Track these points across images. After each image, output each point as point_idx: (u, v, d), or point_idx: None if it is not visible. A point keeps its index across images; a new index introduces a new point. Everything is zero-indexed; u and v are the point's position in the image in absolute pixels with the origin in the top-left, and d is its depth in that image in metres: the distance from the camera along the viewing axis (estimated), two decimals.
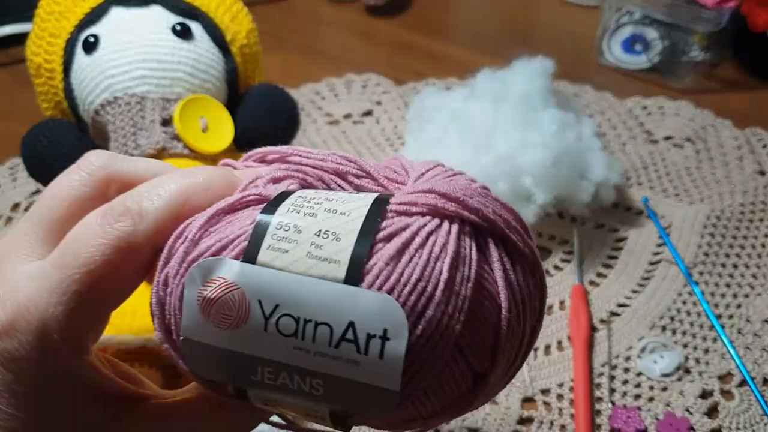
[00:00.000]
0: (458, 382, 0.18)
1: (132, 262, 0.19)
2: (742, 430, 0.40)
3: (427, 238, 0.18)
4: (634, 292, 0.47)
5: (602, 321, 0.45)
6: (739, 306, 0.46)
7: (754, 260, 0.49)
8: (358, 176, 0.21)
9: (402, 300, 0.17)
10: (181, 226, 0.19)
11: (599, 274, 0.48)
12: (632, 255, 0.49)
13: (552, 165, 0.46)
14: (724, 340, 0.44)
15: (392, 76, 0.64)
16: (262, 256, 0.18)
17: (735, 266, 0.48)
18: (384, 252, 0.17)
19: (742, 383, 0.42)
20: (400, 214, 0.18)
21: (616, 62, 0.65)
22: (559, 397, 0.42)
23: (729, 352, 0.43)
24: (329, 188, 0.21)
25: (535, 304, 0.20)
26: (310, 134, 0.59)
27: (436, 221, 0.18)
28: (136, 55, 0.44)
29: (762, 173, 0.55)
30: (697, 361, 0.43)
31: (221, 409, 0.21)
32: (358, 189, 0.21)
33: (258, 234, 0.18)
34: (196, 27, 0.47)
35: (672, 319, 0.45)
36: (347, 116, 0.61)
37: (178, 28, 0.46)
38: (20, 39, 0.55)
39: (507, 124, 0.48)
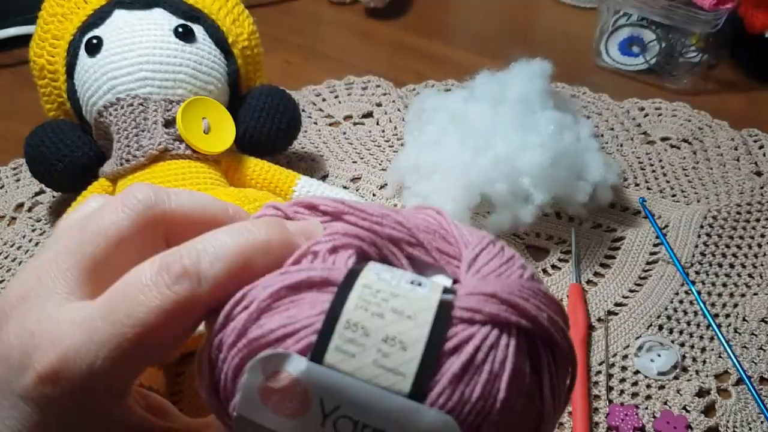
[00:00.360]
0: None
1: (184, 321, 0.19)
2: (739, 428, 0.40)
3: (489, 353, 0.18)
4: (632, 291, 0.47)
5: (599, 320, 0.46)
6: (735, 305, 0.46)
7: (751, 260, 0.49)
8: (411, 244, 0.21)
9: (461, 419, 0.17)
10: (241, 293, 0.19)
11: (596, 274, 0.49)
12: (629, 255, 0.50)
13: (550, 166, 0.46)
14: (721, 339, 0.44)
15: (392, 77, 0.65)
16: (330, 357, 0.17)
17: (732, 266, 0.49)
18: (449, 368, 0.17)
19: (739, 382, 0.42)
20: (464, 321, 0.18)
21: (614, 64, 0.66)
22: None
23: (726, 350, 0.43)
24: (382, 256, 0.20)
25: (566, 391, 0.20)
26: (310, 135, 0.59)
27: (496, 332, 0.18)
28: (138, 57, 0.45)
29: (758, 174, 0.56)
30: (694, 359, 0.43)
31: None
32: (409, 258, 0.21)
33: (326, 331, 0.18)
34: (198, 29, 0.47)
35: (669, 318, 0.46)
36: (347, 117, 0.62)
37: (181, 30, 0.46)
38: (24, 41, 0.56)
39: (506, 126, 0.48)
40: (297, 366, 0.17)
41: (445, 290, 0.19)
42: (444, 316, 0.18)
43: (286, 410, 0.18)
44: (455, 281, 0.20)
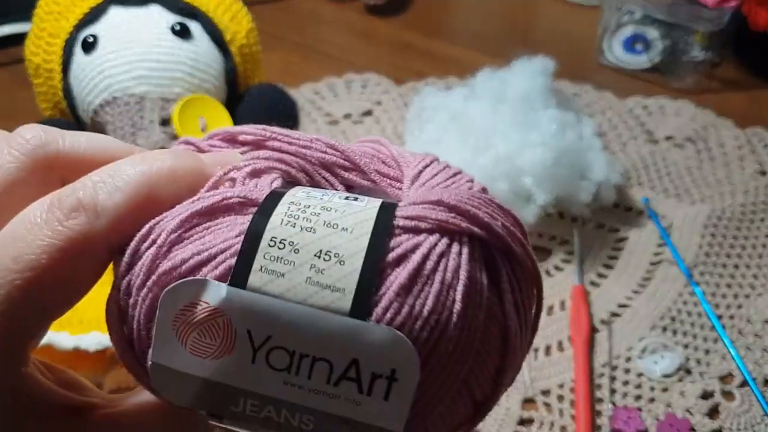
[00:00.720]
0: (459, 412, 0.17)
1: (83, 264, 0.16)
2: (743, 430, 0.40)
3: (439, 261, 0.16)
4: (635, 292, 0.47)
5: (603, 321, 0.45)
6: (739, 306, 0.46)
7: (755, 260, 0.49)
8: (345, 168, 0.19)
9: (413, 336, 0.15)
10: (147, 226, 0.16)
11: (600, 275, 0.48)
12: (633, 255, 0.49)
13: (552, 165, 0.46)
14: (725, 340, 0.43)
15: (392, 75, 0.64)
16: (254, 279, 0.15)
17: (736, 266, 0.48)
18: (394, 279, 0.15)
19: (743, 384, 0.42)
20: (408, 230, 0.16)
21: (617, 62, 0.65)
22: (560, 397, 0.41)
23: (730, 352, 0.43)
24: (314, 183, 0.18)
25: (532, 319, 0.18)
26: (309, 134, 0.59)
27: (446, 240, 0.16)
28: (135, 55, 0.44)
29: (763, 173, 0.55)
30: (698, 361, 0.43)
31: (178, 421, 0.18)
32: (346, 185, 0.19)
33: (248, 251, 0.15)
34: (195, 26, 0.47)
35: (673, 319, 0.45)
36: (347, 116, 0.61)
37: (177, 27, 0.46)
38: (19, 39, 0.55)
39: (507, 124, 0.48)
40: (215, 294, 0.15)
41: (386, 203, 0.17)
42: (385, 226, 0.16)
43: (208, 349, 0.15)
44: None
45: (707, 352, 0.43)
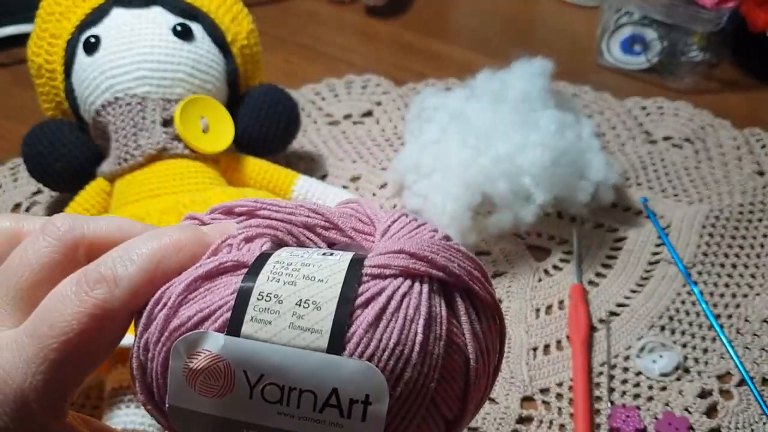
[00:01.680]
0: (431, 429, 0.20)
1: (108, 327, 0.19)
2: (741, 429, 0.40)
3: (402, 300, 0.19)
4: (633, 291, 0.47)
5: (601, 321, 0.45)
6: (738, 306, 0.46)
7: (753, 260, 0.49)
8: (326, 228, 0.22)
9: (382, 365, 0.18)
10: (159, 292, 0.19)
11: (598, 274, 0.48)
12: (631, 255, 0.49)
13: (551, 165, 0.46)
14: (723, 339, 0.44)
15: (392, 76, 0.64)
16: (246, 328, 0.18)
17: (734, 266, 0.48)
18: (363, 319, 0.18)
19: (741, 383, 0.42)
20: (375, 277, 0.19)
21: (616, 63, 0.65)
22: (559, 396, 0.42)
23: (728, 351, 0.43)
24: (299, 242, 0.21)
25: (496, 346, 0.21)
26: (310, 135, 0.59)
27: (408, 282, 0.19)
28: (136, 56, 0.45)
29: (761, 173, 0.55)
30: (696, 360, 0.43)
31: None
32: (328, 242, 0.22)
33: (240, 305, 0.18)
34: (196, 28, 0.47)
35: (671, 318, 0.45)
36: (347, 117, 0.61)
37: (179, 28, 0.46)
38: (21, 40, 0.55)
39: (506, 125, 0.48)
40: (215, 342, 0.18)
41: (357, 256, 0.20)
42: (355, 275, 0.19)
43: (213, 390, 0.18)
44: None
45: (705, 351, 0.44)
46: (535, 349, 0.44)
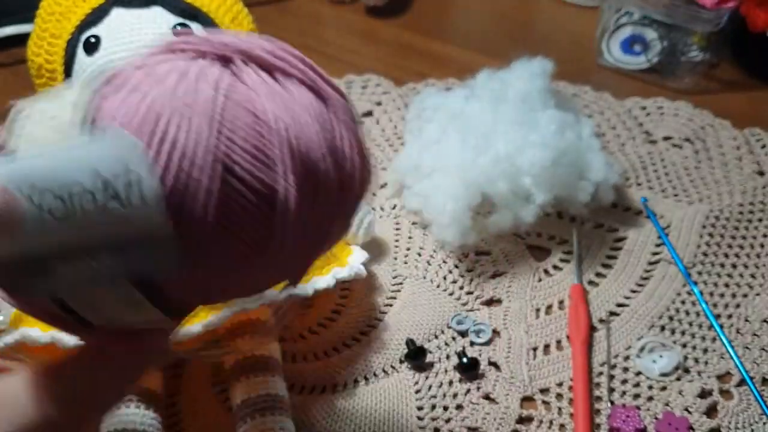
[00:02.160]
0: (246, 208, 0.18)
1: None
2: (741, 429, 0.40)
3: (156, 70, 0.18)
4: (633, 291, 0.47)
5: (601, 320, 0.45)
6: (737, 306, 0.46)
7: (753, 260, 0.49)
8: None
9: (137, 131, 0.17)
10: None
11: (598, 274, 0.48)
12: (631, 255, 0.49)
13: (551, 165, 0.46)
14: (723, 339, 0.44)
15: (392, 76, 0.64)
16: (21, 150, 0.18)
17: (734, 266, 0.48)
18: (113, 94, 0.17)
19: (741, 383, 0.42)
20: (131, 64, 0.18)
21: (616, 63, 0.65)
22: (559, 396, 0.42)
23: (728, 351, 0.43)
24: None
25: (331, 127, 0.19)
26: None
27: (168, 56, 0.18)
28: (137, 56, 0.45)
29: (761, 173, 0.55)
30: (696, 360, 0.43)
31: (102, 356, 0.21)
32: None
33: (10, 127, 0.18)
34: (196, 28, 0.47)
35: (671, 318, 0.45)
36: None
37: (179, 28, 0.46)
38: (21, 39, 0.55)
39: (506, 124, 0.48)
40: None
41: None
42: (99, 72, 0.19)
43: (9, 226, 0.17)
44: None
45: (705, 351, 0.44)
46: (535, 349, 0.44)
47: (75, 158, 0.17)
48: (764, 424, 0.40)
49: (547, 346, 0.44)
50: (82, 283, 0.18)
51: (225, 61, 0.18)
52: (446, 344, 0.44)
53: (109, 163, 0.17)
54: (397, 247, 0.50)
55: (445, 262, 0.49)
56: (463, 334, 0.45)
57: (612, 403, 0.41)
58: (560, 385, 0.42)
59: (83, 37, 0.46)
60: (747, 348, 0.44)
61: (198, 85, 0.17)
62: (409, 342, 0.44)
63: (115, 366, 0.21)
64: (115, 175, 0.16)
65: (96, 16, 0.46)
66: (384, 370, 0.43)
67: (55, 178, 0.17)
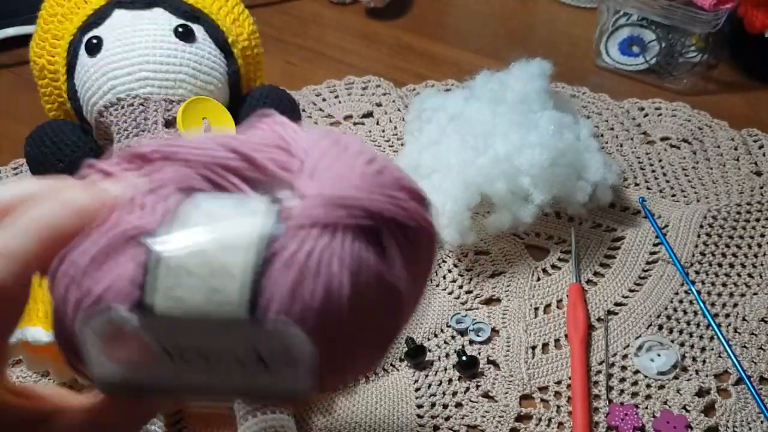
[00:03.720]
0: (366, 359, 0.19)
1: (7, 301, 0.19)
2: (739, 428, 0.40)
3: (322, 255, 0.17)
4: (631, 291, 0.48)
5: (599, 319, 0.46)
6: (735, 305, 0.46)
7: (751, 260, 0.49)
8: (241, 167, 0.20)
9: (308, 327, 0.17)
10: (57, 259, 0.18)
11: (596, 273, 0.49)
12: (629, 254, 0.50)
13: (550, 165, 0.46)
14: (721, 338, 0.44)
15: (392, 77, 0.65)
16: (159, 304, 0.17)
17: (731, 266, 0.49)
18: (283, 282, 0.17)
19: (739, 381, 0.42)
20: (294, 229, 0.17)
21: (614, 64, 0.66)
22: (557, 394, 0.42)
23: (726, 350, 0.43)
24: (213, 184, 0.19)
25: (429, 267, 0.20)
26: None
27: (328, 235, 0.18)
28: (138, 57, 0.45)
29: (758, 174, 0.56)
30: (694, 359, 0.44)
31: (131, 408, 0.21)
32: (244, 180, 0.20)
33: (150, 280, 0.17)
34: (198, 29, 0.47)
35: (669, 317, 0.46)
36: (347, 117, 0.62)
37: (181, 30, 0.46)
38: (24, 41, 0.56)
39: (505, 125, 0.48)
40: (129, 321, 0.17)
41: (273, 206, 0.18)
42: (271, 230, 0.17)
43: (132, 361, 0.18)
44: (293, 190, 0.19)
45: (703, 349, 0.44)
46: (533, 348, 0.44)
47: (233, 337, 0.17)
48: (762, 422, 0.40)
49: (545, 345, 0.45)
50: (191, 399, 0.19)
51: (374, 233, 0.18)
52: (446, 343, 0.45)
53: (269, 347, 0.17)
54: None
55: (444, 261, 0.49)
56: (463, 332, 0.45)
57: (610, 401, 0.41)
58: (559, 383, 0.42)
59: (85, 38, 0.46)
60: (744, 347, 0.44)
61: (359, 278, 0.18)
62: (409, 340, 0.44)
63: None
64: (273, 358, 0.17)
65: (98, 17, 0.47)
66: (384, 368, 0.43)
67: (205, 345, 0.17)
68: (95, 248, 0.18)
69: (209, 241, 0.17)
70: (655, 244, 0.50)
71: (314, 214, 0.18)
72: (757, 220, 0.52)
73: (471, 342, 0.44)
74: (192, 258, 0.17)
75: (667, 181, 0.55)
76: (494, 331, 0.45)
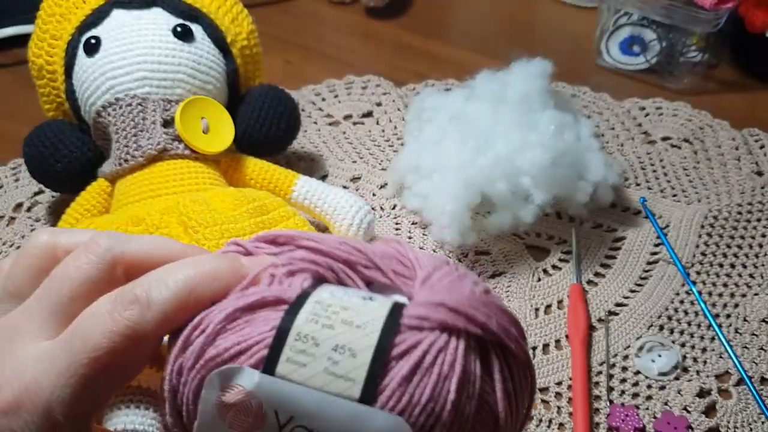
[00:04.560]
0: None
1: (138, 347, 0.20)
2: (740, 428, 0.40)
3: (437, 356, 0.18)
4: (632, 291, 0.47)
5: (600, 320, 0.46)
6: (736, 305, 0.46)
7: (752, 260, 0.49)
8: (367, 267, 0.21)
9: (412, 421, 0.18)
10: (198, 318, 0.20)
11: (597, 274, 0.49)
12: (630, 255, 0.50)
13: (550, 165, 0.46)
14: (722, 339, 0.44)
15: (392, 77, 0.65)
16: (281, 368, 0.18)
17: (732, 266, 0.49)
18: (397, 371, 0.18)
19: (740, 382, 0.42)
20: (412, 328, 0.19)
21: (614, 63, 0.66)
22: (558, 395, 0.42)
23: (727, 351, 0.43)
24: (339, 279, 0.21)
25: (525, 402, 0.21)
26: (310, 135, 0.59)
27: (445, 337, 0.19)
28: (137, 57, 0.45)
29: (759, 173, 0.55)
30: (695, 360, 0.43)
31: None
32: (366, 281, 0.21)
33: (277, 344, 0.18)
34: (196, 29, 0.47)
35: (670, 318, 0.46)
36: (347, 117, 0.61)
37: (179, 29, 0.46)
38: (22, 40, 0.55)
39: (506, 125, 0.48)
40: (250, 379, 0.18)
41: (397, 304, 0.20)
42: (393, 324, 0.19)
43: (242, 425, 0.18)
44: (410, 299, 0.21)
45: (704, 350, 0.44)
46: (534, 349, 0.44)
47: (344, 416, 0.18)
48: (763, 423, 0.40)
49: (546, 346, 0.44)
50: None
51: (483, 349, 0.19)
52: None
53: None
54: None
55: None
56: None
57: (611, 402, 0.41)
58: (559, 384, 0.42)
59: (83, 38, 0.46)
60: (746, 347, 0.44)
61: (467, 387, 0.19)
62: None
63: None
64: None
65: (96, 17, 0.47)
66: None
67: (314, 419, 0.18)
68: (233, 307, 0.19)
69: (338, 320, 0.19)
70: (656, 245, 0.50)
71: (434, 316, 0.19)
72: (758, 220, 0.52)
73: None
74: (320, 331, 0.18)
75: (668, 181, 0.55)
76: None
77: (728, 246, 0.50)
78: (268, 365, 0.18)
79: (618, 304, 0.47)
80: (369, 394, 0.18)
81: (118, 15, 0.47)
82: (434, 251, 0.50)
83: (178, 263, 0.21)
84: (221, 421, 0.19)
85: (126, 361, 0.20)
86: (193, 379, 0.19)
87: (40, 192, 0.54)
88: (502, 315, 0.20)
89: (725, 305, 0.46)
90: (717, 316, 0.46)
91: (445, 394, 0.18)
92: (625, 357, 0.44)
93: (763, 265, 0.49)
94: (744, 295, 0.47)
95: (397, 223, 0.52)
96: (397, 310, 0.19)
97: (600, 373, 0.43)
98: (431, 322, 0.19)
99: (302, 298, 0.20)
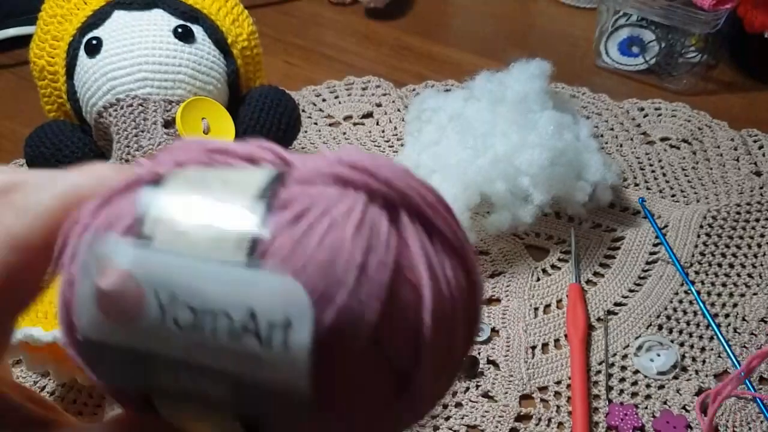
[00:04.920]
0: (379, 382, 0.16)
1: (27, 261, 0.18)
2: (739, 428, 0.40)
3: (334, 210, 0.16)
4: (631, 291, 0.48)
5: (599, 319, 0.46)
6: (735, 305, 0.46)
7: (750, 260, 0.49)
8: (241, 155, 0.19)
9: (307, 283, 0.15)
10: (75, 213, 0.17)
11: (596, 274, 0.49)
12: (629, 254, 0.50)
13: (549, 165, 0.46)
14: (721, 338, 0.44)
15: (392, 78, 0.65)
16: (158, 240, 0.16)
17: (731, 266, 0.49)
18: (288, 230, 0.16)
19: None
20: (302, 183, 0.16)
21: (613, 64, 0.66)
22: (557, 394, 0.42)
23: (725, 350, 0.43)
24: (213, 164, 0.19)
25: (464, 296, 0.18)
26: (310, 136, 0.59)
27: (341, 190, 0.16)
28: (138, 58, 0.45)
29: (758, 174, 0.56)
30: (694, 359, 0.44)
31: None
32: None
33: (152, 213, 0.16)
34: (197, 29, 0.47)
35: (668, 317, 0.46)
36: (347, 118, 0.62)
37: (180, 30, 0.46)
38: (24, 41, 0.56)
39: (505, 125, 0.48)
40: (125, 254, 0.16)
41: (284, 171, 0.17)
42: (278, 180, 0.16)
43: (122, 314, 0.16)
44: None
45: (703, 350, 0.44)
46: (533, 348, 0.44)
47: (229, 284, 0.16)
48: (761, 422, 0.40)
49: (545, 345, 0.45)
50: (182, 398, 0.17)
51: (392, 211, 0.17)
52: None
53: (267, 307, 0.15)
54: None
55: None
56: None
57: (610, 401, 0.41)
58: (559, 383, 0.42)
59: (85, 40, 0.46)
60: (744, 347, 0.44)
61: (371, 243, 0.16)
62: None
63: None
64: (269, 321, 0.15)
65: (97, 18, 0.47)
66: None
67: (197, 293, 0.16)
68: (108, 192, 0.17)
69: (218, 183, 0.17)
70: (654, 245, 0.50)
71: (326, 172, 0.16)
72: (757, 220, 0.52)
73: None
74: (197, 196, 0.16)
75: (667, 182, 0.55)
76: (494, 331, 0.45)
77: (727, 246, 0.50)
78: (143, 238, 0.16)
79: (617, 304, 0.47)
80: (255, 255, 0.15)
81: (119, 16, 0.47)
82: None
83: (63, 172, 0.19)
84: (100, 312, 0.16)
85: (17, 277, 0.18)
86: (71, 272, 0.17)
87: None
88: (420, 185, 0.17)
89: (724, 305, 0.46)
90: (716, 315, 0.46)
91: (347, 255, 0.15)
92: (624, 356, 0.44)
93: (761, 264, 0.49)
94: (743, 295, 0.47)
95: None
96: (285, 173, 0.17)
97: (599, 372, 0.43)
98: (323, 176, 0.16)
99: (178, 171, 0.17)
